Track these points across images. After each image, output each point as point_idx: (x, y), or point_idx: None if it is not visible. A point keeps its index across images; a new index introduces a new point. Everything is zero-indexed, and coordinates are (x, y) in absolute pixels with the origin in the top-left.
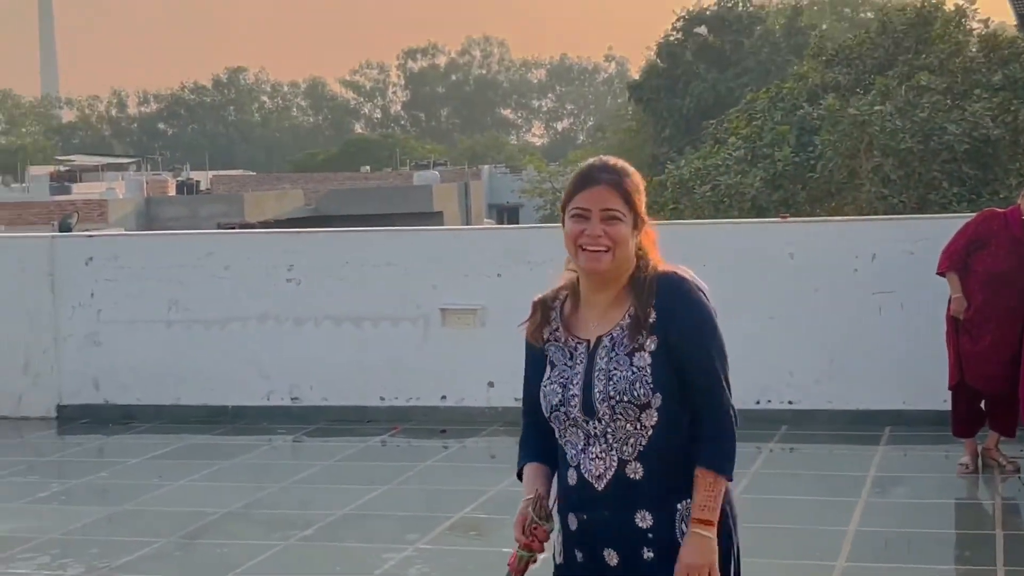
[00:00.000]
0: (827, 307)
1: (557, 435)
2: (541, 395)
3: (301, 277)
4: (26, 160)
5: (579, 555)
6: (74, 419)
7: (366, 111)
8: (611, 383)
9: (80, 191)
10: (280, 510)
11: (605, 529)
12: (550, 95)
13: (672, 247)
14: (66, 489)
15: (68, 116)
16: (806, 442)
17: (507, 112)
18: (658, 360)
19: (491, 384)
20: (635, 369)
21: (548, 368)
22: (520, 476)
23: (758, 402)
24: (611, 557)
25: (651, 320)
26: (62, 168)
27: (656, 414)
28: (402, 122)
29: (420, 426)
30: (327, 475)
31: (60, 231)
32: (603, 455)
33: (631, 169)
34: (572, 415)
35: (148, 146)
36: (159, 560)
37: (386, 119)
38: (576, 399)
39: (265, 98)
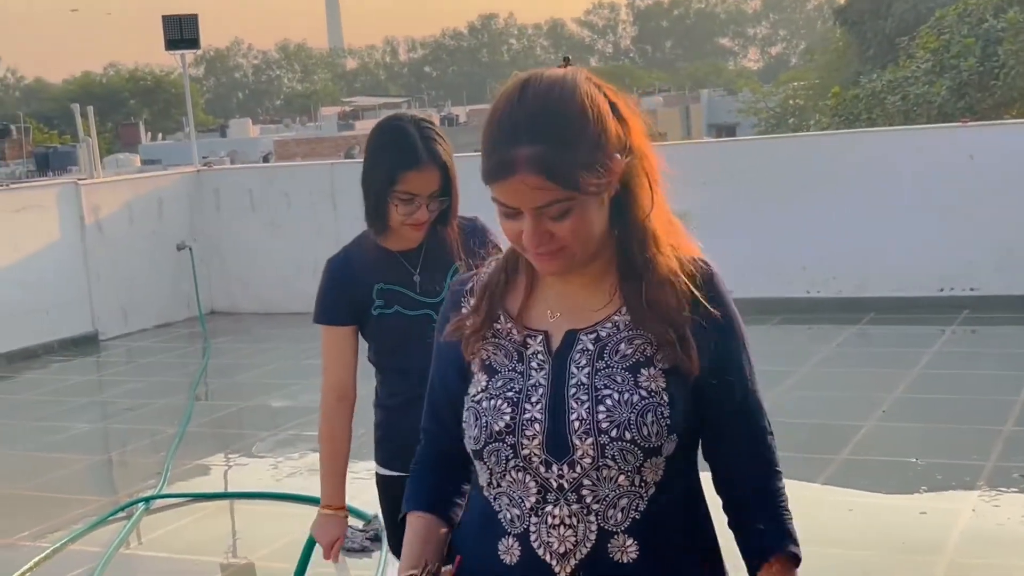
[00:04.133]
0: (1005, 204)
1: (484, 481)
2: (469, 415)
3: None
4: (318, 103)
5: None
6: None
7: (599, 47)
8: (602, 408)
9: (361, 127)
10: None
11: None
12: (764, 23)
13: (861, 154)
14: None
15: (350, 64)
16: (985, 324)
17: (725, 40)
18: (678, 384)
19: None
20: (644, 392)
21: (483, 375)
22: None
23: (941, 289)
24: None
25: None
26: (347, 108)
27: (664, 464)
28: (631, 55)
29: None
30: None
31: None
32: (573, 521)
33: (561, 96)
34: (525, 452)
35: (416, 87)
36: None
37: (617, 53)
38: (537, 426)
39: (512, 40)
